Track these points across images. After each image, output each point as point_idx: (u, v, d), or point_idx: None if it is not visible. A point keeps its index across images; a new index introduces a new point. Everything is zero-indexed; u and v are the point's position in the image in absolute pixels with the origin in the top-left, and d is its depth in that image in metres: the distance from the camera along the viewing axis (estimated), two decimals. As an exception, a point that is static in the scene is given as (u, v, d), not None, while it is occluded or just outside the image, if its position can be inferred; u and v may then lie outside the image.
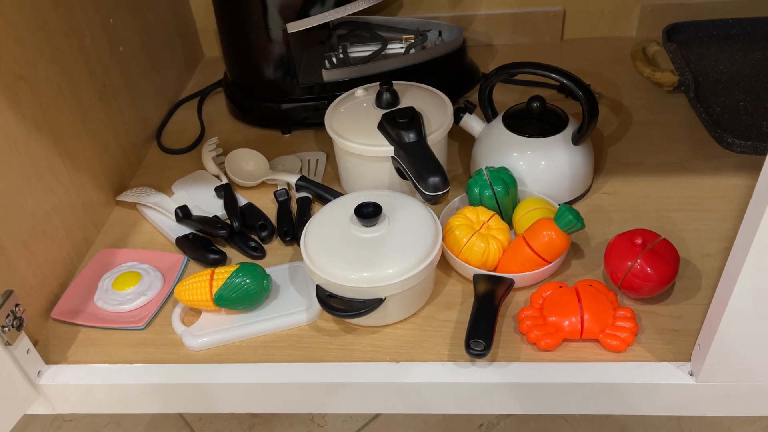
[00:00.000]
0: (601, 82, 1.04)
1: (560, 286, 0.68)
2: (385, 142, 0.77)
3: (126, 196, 0.88)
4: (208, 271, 0.70)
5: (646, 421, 0.65)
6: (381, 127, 0.78)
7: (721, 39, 1.08)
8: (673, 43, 1.04)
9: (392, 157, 0.77)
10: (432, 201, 0.71)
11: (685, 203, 0.80)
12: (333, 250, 0.66)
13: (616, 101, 0.99)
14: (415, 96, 0.83)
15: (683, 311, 0.67)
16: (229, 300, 0.68)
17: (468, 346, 0.62)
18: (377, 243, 0.66)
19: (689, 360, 0.62)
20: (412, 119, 0.76)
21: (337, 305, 0.66)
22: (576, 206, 0.81)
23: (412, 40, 1.02)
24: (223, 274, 0.69)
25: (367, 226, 0.67)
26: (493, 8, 1.14)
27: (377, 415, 0.71)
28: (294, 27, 0.91)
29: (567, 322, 0.65)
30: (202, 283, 0.69)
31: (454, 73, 1.02)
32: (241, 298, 0.68)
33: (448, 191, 0.72)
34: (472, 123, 0.85)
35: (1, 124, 0.67)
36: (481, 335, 0.62)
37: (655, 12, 1.12)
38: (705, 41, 1.08)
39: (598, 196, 0.83)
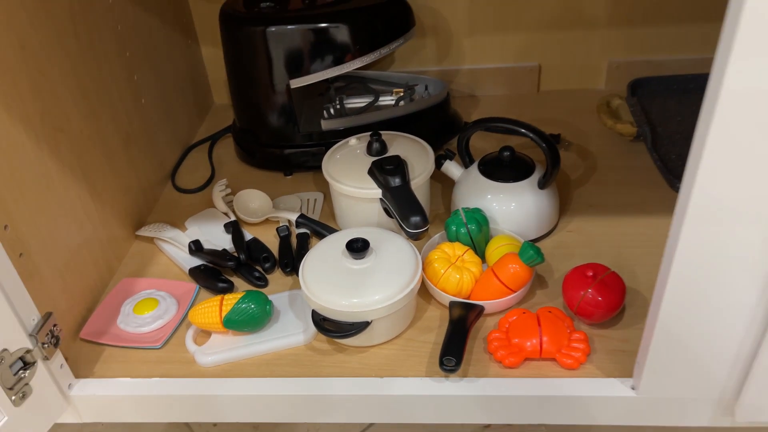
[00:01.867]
0: (571, 130, 1.15)
1: (524, 312, 0.78)
2: (374, 185, 0.88)
3: (144, 231, 0.99)
4: (218, 297, 0.80)
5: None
6: (371, 172, 0.89)
7: (681, 93, 1.20)
8: (635, 97, 1.16)
9: (380, 199, 0.87)
10: (414, 237, 0.82)
11: (639, 241, 0.91)
12: (327, 279, 0.77)
13: (584, 148, 1.11)
14: (401, 145, 0.95)
15: (631, 335, 0.77)
16: (236, 323, 0.78)
17: (441, 363, 0.72)
18: (365, 273, 0.77)
19: (633, 376, 0.72)
20: (398, 166, 0.87)
21: (330, 327, 0.76)
22: (542, 243, 0.92)
23: (402, 93, 1.14)
24: (231, 300, 0.79)
25: (356, 259, 0.77)
26: (475, 63, 1.26)
27: (368, 426, 0.81)
28: (297, 83, 1.03)
29: (528, 343, 0.75)
30: (212, 308, 0.79)
31: (439, 122, 1.13)
32: (247, 321, 0.79)
33: (427, 229, 0.82)
34: (452, 169, 0.96)
35: (44, 170, 0.78)
36: (453, 353, 0.72)
37: (621, 68, 1.24)
38: (666, 94, 1.20)
39: (563, 233, 0.94)
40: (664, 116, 1.14)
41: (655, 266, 0.76)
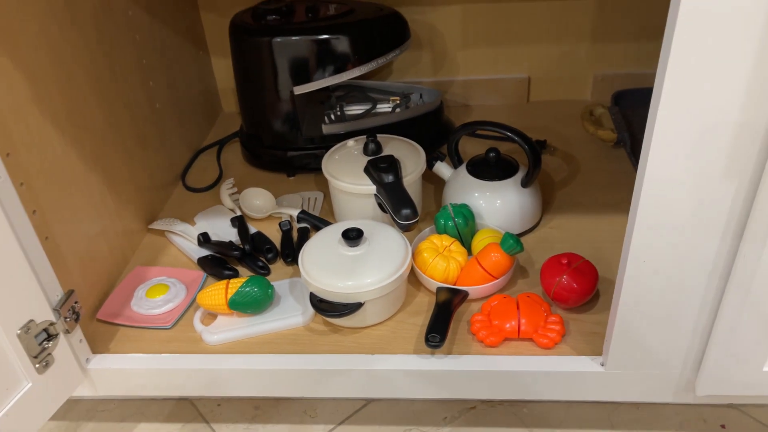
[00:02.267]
0: (557, 137, 1.23)
1: (504, 297, 0.85)
2: (370, 182, 0.95)
3: (156, 225, 1.06)
4: (224, 282, 0.87)
5: (579, 414, 0.81)
6: (366, 170, 0.96)
7: (662, 103, 1.27)
8: (617, 107, 1.23)
9: (375, 194, 0.95)
10: (404, 228, 0.89)
11: (616, 237, 0.96)
12: (324, 264, 0.84)
13: (568, 153, 1.18)
14: (395, 146, 1.02)
15: (604, 319, 0.84)
16: (240, 304, 0.85)
17: (427, 339, 0.79)
18: (359, 259, 0.84)
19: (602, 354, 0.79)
20: (391, 164, 0.94)
21: (326, 308, 0.83)
22: (525, 238, 0.99)
23: (398, 101, 1.22)
24: (235, 283, 0.86)
25: (351, 246, 0.85)
26: (468, 74, 1.35)
27: (362, 407, 0.87)
28: (300, 90, 1.11)
29: (508, 325, 0.81)
30: (219, 290, 0.86)
31: (432, 128, 1.21)
32: (250, 303, 0.86)
33: (417, 221, 0.90)
34: (442, 169, 1.03)
35: (69, 164, 0.86)
36: (437, 331, 0.79)
37: (605, 80, 1.32)
38: (648, 105, 1.27)
39: (545, 230, 1.01)
40: (645, 125, 1.21)
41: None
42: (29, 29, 0.78)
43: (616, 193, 1.07)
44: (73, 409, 0.97)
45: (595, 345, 0.80)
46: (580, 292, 0.83)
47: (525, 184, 0.96)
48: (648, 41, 1.27)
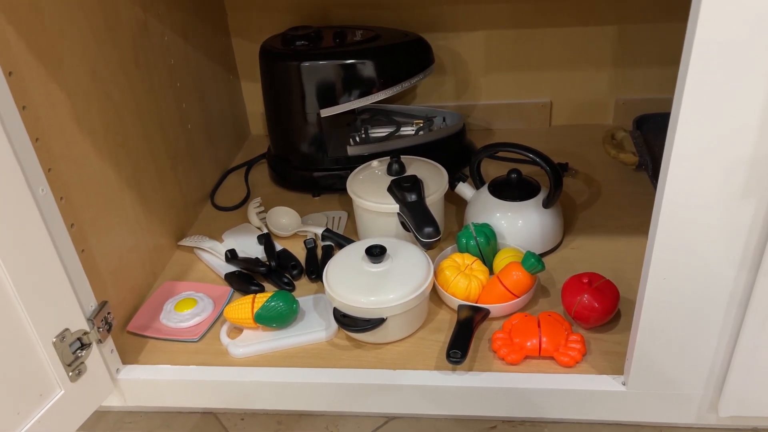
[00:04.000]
0: (579, 160, 1.24)
1: (525, 316, 0.86)
2: (393, 201, 0.97)
3: (186, 242, 1.09)
4: (251, 296, 0.89)
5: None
6: (390, 189, 0.98)
7: (685, 127, 1.28)
8: (638, 131, 1.25)
9: (398, 213, 0.97)
10: (427, 246, 0.91)
11: (637, 257, 0.97)
12: (348, 280, 0.86)
13: (590, 176, 1.19)
14: (418, 167, 1.04)
15: (625, 339, 0.84)
16: (265, 318, 0.88)
17: (448, 355, 0.80)
18: (382, 276, 0.86)
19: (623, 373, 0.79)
20: (414, 184, 0.96)
21: (349, 323, 0.85)
22: (547, 258, 1.00)
23: (421, 124, 1.25)
24: (261, 298, 0.88)
25: (374, 263, 0.87)
26: (491, 99, 1.37)
27: (383, 424, 0.88)
28: (326, 112, 1.14)
29: (529, 343, 0.82)
30: (245, 305, 0.88)
31: (455, 151, 1.23)
32: (275, 317, 0.88)
33: (439, 239, 0.91)
34: (465, 190, 1.05)
35: (105, 180, 0.90)
36: (459, 347, 0.80)
37: (627, 104, 1.33)
38: (670, 129, 1.28)
39: (566, 250, 1.02)
40: (667, 149, 1.22)
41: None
42: (73, 51, 0.83)
43: (638, 215, 1.08)
44: (102, 419, 0.99)
45: (616, 364, 0.81)
46: (601, 311, 0.83)
47: (546, 204, 0.98)
48: (670, 66, 1.28)
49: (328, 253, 1.03)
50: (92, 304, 0.80)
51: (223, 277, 1.01)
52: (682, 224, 0.63)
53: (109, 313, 0.83)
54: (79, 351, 0.78)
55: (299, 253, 1.06)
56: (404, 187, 0.96)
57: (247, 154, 1.40)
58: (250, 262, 1.01)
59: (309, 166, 1.21)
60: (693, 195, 0.61)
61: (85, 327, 0.79)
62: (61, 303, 0.75)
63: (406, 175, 1.01)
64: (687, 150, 0.59)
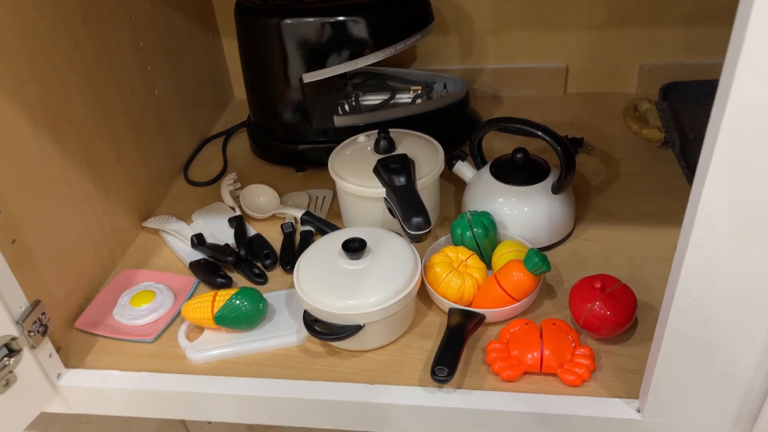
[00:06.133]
0: (596, 135, 1.10)
1: (526, 323, 0.74)
2: (379, 184, 0.85)
3: (150, 223, 0.98)
4: (212, 293, 0.78)
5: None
6: (376, 170, 0.86)
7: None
8: (665, 102, 1.10)
9: (384, 198, 0.84)
10: (415, 239, 0.79)
11: (658, 252, 0.85)
12: (321, 279, 0.74)
13: (608, 153, 1.06)
14: (410, 143, 0.91)
15: (641, 353, 0.72)
16: (227, 320, 0.76)
17: (433, 372, 0.68)
18: (360, 275, 0.74)
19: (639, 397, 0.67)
20: (403, 165, 0.84)
21: (321, 329, 0.73)
22: (554, 251, 0.87)
23: (419, 91, 1.11)
24: (223, 296, 0.77)
25: (352, 259, 0.75)
26: (499, 62, 1.22)
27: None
28: (310, 77, 1.01)
29: (529, 356, 0.70)
30: (205, 303, 0.77)
31: (457, 122, 1.10)
32: (239, 318, 0.76)
33: (429, 231, 0.79)
34: (464, 170, 0.92)
35: (44, 158, 0.78)
36: (445, 363, 0.69)
37: (654, 71, 1.18)
38: (701, 100, 1.14)
39: (577, 242, 0.89)
40: (697, 123, 1.08)
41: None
42: (-4, 7, 0.70)
43: (661, 201, 0.94)
44: (55, 420, 0.90)
45: (630, 384, 0.69)
46: (614, 321, 0.71)
47: (556, 190, 0.85)
48: (702, 27, 1.12)
49: (307, 240, 0.92)
50: (22, 304, 0.69)
51: (188, 265, 0.90)
52: (725, 230, 0.50)
53: (43, 314, 0.72)
54: (6, 359, 0.68)
55: (276, 238, 0.94)
56: (392, 169, 0.83)
57: (229, 120, 1.27)
58: (218, 250, 0.89)
59: (292, 138, 1.08)
60: (745, 190, 0.48)
61: (13, 332, 0.68)
62: (-22, 307, 0.64)
63: (394, 153, 0.88)
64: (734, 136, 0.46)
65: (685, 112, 1.11)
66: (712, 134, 0.48)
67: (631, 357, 0.72)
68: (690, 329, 0.57)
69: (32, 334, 0.70)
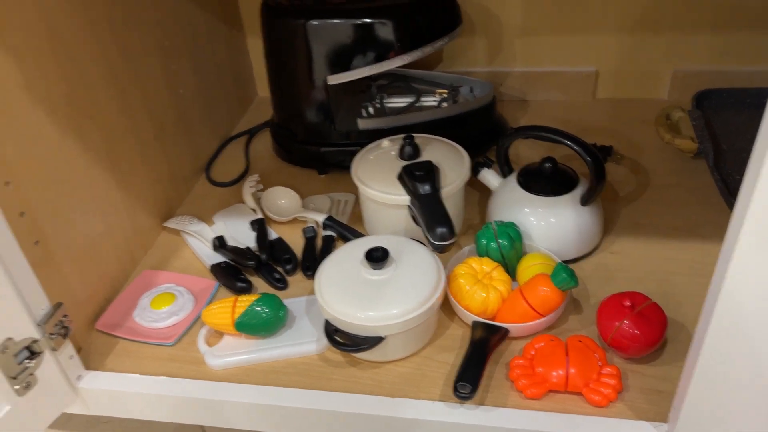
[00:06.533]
0: (626, 143, 1.07)
1: (551, 339, 0.72)
2: (403, 191, 0.83)
3: (172, 223, 0.97)
4: (232, 298, 0.78)
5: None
6: (400, 177, 0.84)
7: (754, 108, 1.09)
8: (699, 110, 1.07)
9: (408, 206, 0.83)
10: (439, 249, 0.77)
11: (688, 267, 0.83)
12: (342, 288, 0.73)
13: (638, 163, 1.03)
14: (435, 150, 0.90)
15: (670, 373, 0.70)
16: (247, 326, 0.76)
17: (455, 389, 0.67)
18: (382, 285, 0.73)
19: (668, 421, 0.65)
20: (428, 172, 0.82)
21: (342, 339, 0.72)
22: (581, 264, 0.85)
23: (445, 94, 1.09)
24: (244, 302, 0.76)
25: (374, 269, 0.73)
26: (527, 66, 1.20)
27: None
28: (335, 80, 0.99)
29: (554, 374, 0.69)
30: (225, 309, 0.76)
31: (483, 127, 1.08)
32: (259, 325, 0.76)
33: (454, 241, 0.77)
34: (489, 177, 0.90)
35: (67, 157, 0.78)
36: (468, 379, 0.67)
37: (687, 77, 1.15)
38: (737, 108, 1.10)
39: (604, 254, 0.87)
40: (731, 132, 1.05)
41: (703, 297, 0.69)
42: (23, 5, 0.69)
43: (692, 213, 0.92)
44: (73, 419, 0.90)
45: (659, 407, 0.67)
46: (643, 341, 0.69)
47: (585, 201, 0.82)
48: (738, 32, 1.09)
49: (329, 246, 0.90)
50: (44, 306, 0.69)
51: (208, 267, 0.89)
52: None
53: (65, 316, 0.71)
54: (27, 361, 0.68)
55: (297, 242, 0.93)
56: (416, 177, 0.82)
57: (252, 118, 1.26)
58: (239, 253, 0.89)
59: (315, 140, 1.07)
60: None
61: (35, 334, 0.68)
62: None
63: (419, 160, 0.86)
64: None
65: (717, 121, 1.07)
66: (762, 144, 0.45)
67: (660, 378, 0.70)
68: (730, 349, 0.54)
69: (53, 336, 0.70)
